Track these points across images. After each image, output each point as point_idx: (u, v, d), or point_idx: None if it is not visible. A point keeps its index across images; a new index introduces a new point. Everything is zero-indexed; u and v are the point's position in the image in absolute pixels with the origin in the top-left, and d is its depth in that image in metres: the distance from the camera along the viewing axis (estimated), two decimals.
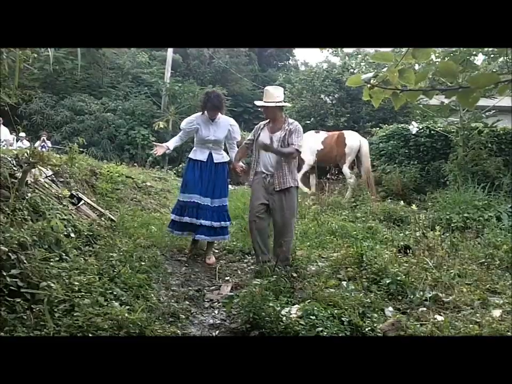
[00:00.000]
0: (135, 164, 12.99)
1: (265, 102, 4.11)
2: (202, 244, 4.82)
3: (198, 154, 4.63)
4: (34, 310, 2.41)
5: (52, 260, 2.89)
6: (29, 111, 16.03)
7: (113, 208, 5.70)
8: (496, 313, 3.14)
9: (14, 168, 4.00)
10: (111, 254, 3.57)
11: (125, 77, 19.76)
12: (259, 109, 4.45)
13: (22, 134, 13.22)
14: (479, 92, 1.77)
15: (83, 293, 2.68)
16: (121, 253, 3.68)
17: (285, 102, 4.34)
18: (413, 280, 3.67)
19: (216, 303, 3.49)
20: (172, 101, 18.08)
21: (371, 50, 13.35)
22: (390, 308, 3.27)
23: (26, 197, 3.57)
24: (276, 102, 4.08)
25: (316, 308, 2.90)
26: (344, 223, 5.86)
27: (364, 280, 3.67)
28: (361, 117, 14.72)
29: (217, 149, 4.66)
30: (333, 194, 8.43)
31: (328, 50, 17.17)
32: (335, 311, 2.91)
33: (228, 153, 4.78)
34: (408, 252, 4.60)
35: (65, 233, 3.52)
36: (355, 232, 5.24)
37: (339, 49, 16.61)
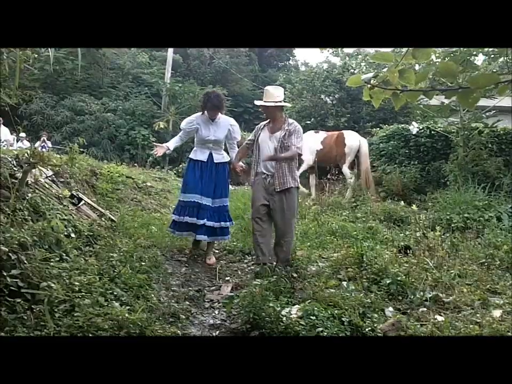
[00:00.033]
0: (136, 164, 12.99)
1: (265, 101, 4.11)
2: (202, 244, 4.82)
3: (199, 154, 4.63)
4: (34, 310, 2.41)
5: (52, 260, 2.89)
6: (29, 111, 16.05)
7: (113, 209, 5.70)
8: (497, 313, 3.14)
9: (15, 168, 4.00)
10: (111, 254, 3.58)
11: (125, 77, 19.78)
12: (259, 109, 4.45)
13: (22, 134, 13.23)
14: (479, 92, 1.77)
15: (83, 293, 2.68)
16: (121, 253, 3.68)
17: (285, 102, 4.34)
18: (413, 280, 3.66)
19: (216, 304, 3.49)
20: (172, 101, 18.09)
21: (371, 50, 13.37)
22: (390, 308, 3.27)
23: (27, 197, 3.57)
24: (276, 102, 4.08)
25: (316, 308, 2.90)
26: (345, 223, 5.86)
27: (364, 280, 3.67)
28: (361, 117, 14.72)
29: (218, 149, 4.66)
30: (333, 195, 8.43)
31: (328, 51, 17.18)
32: (336, 311, 2.91)
33: (228, 153, 4.78)
34: (408, 252, 4.60)
35: (66, 233, 3.52)
36: (355, 233, 5.24)
37: (339, 49, 16.61)
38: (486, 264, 4.40)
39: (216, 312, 3.35)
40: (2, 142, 10.11)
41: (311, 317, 2.80)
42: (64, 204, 4.32)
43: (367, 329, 2.78)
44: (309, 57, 54.35)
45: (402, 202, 7.68)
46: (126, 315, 2.53)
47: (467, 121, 8.24)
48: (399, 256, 4.35)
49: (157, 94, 18.66)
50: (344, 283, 3.58)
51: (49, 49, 3.71)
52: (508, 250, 4.60)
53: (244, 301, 3.01)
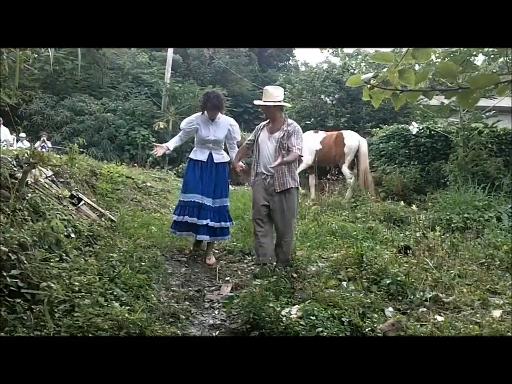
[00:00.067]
0: (135, 164, 13.00)
1: (264, 101, 4.10)
2: (202, 245, 4.82)
3: (198, 154, 4.63)
4: (34, 310, 2.41)
5: (52, 260, 2.89)
6: (29, 111, 16.05)
7: (113, 209, 5.70)
8: (496, 313, 3.14)
9: (14, 168, 4.00)
10: (111, 254, 3.58)
11: (125, 77, 19.78)
12: (259, 110, 4.45)
13: (22, 135, 13.22)
14: (479, 92, 1.77)
15: (83, 293, 2.68)
16: (121, 253, 3.68)
17: (285, 102, 4.34)
18: (413, 280, 3.66)
19: (216, 304, 3.49)
20: (172, 101, 18.09)
21: (371, 50, 13.37)
22: (390, 308, 3.27)
23: (27, 197, 3.57)
24: (275, 101, 4.07)
25: (316, 308, 2.90)
26: (344, 224, 5.86)
27: (364, 280, 3.67)
28: (361, 118, 14.72)
29: (218, 149, 4.66)
30: (333, 195, 8.43)
31: (328, 51, 17.16)
32: (335, 312, 2.91)
33: (228, 153, 4.78)
34: (408, 252, 4.60)
35: (66, 233, 3.52)
36: (355, 233, 5.24)
37: (339, 49, 16.61)
38: (486, 264, 4.40)
39: (216, 312, 3.35)
40: (2, 142, 10.10)
41: (311, 317, 2.80)
42: (64, 204, 4.32)
43: (367, 329, 2.78)
44: (309, 57, 54.34)
45: (402, 202, 7.68)
46: (126, 315, 2.53)
47: (467, 121, 8.25)
48: (399, 256, 4.35)
49: (157, 94, 18.66)
50: (344, 283, 3.58)
51: (49, 49, 3.71)
52: (508, 250, 4.60)
53: (243, 301, 3.01)
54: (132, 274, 3.30)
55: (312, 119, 14.61)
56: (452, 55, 4.55)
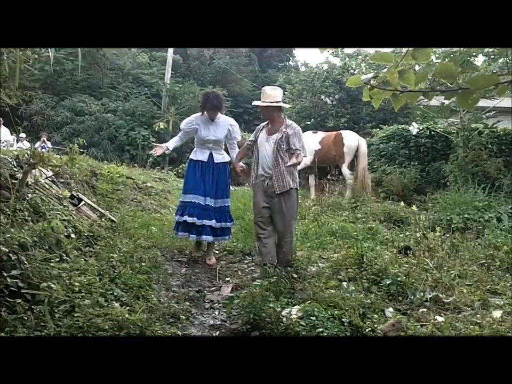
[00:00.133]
0: (136, 165, 13.00)
1: (262, 102, 4.09)
2: (202, 245, 4.82)
3: (199, 154, 4.63)
4: (34, 310, 2.41)
5: (52, 260, 2.89)
6: (29, 111, 16.05)
7: (113, 209, 5.70)
8: (497, 314, 3.13)
9: (15, 169, 4.00)
10: (111, 254, 3.58)
11: (125, 78, 19.78)
12: (258, 110, 4.45)
13: (23, 135, 13.20)
14: (479, 93, 1.77)
15: (83, 294, 2.69)
16: (121, 254, 3.68)
17: (283, 102, 4.33)
18: (413, 281, 3.66)
19: (216, 304, 3.49)
20: (172, 102, 18.10)
21: (371, 51, 13.37)
22: (391, 309, 3.26)
23: (27, 198, 3.57)
24: (272, 102, 4.06)
25: (316, 309, 2.90)
26: (345, 224, 5.85)
27: (364, 281, 3.66)
28: (361, 118, 14.72)
29: (218, 149, 4.66)
30: (333, 195, 8.42)
31: (328, 51, 17.12)
32: (336, 312, 2.91)
33: (228, 153, 4.78)
34: (408, 252, 4.60)
35: (66, 234, 3.52)
36: (355, 233, 5.24)
37: (339, 50, 16.59)
38: (486, 264, 4.40)
39: (216, 312, 3.35)
40: (3, 143, 10.09)
41: (311, 318, 2.80)
42: (64, 204, 4.32)
43: (367, 330, 2.78)
44: (309, 57, 54.37)
45: (402, 203, 7.67)
46: (126, 315, 2.53)
47: (467, 122, 8.25)
48: (399, 257, 4.35)
49: (157, 95, 18.67)
50: (344, 284, 3.58)
51: (49, 49, 3.71)
52: (508, 251, 4.60)
53: (244, 301, 3.01)
54: (132, 274, 3.31)
55: (312, 119, 14.60)
56: (451, 55, 4.55)
